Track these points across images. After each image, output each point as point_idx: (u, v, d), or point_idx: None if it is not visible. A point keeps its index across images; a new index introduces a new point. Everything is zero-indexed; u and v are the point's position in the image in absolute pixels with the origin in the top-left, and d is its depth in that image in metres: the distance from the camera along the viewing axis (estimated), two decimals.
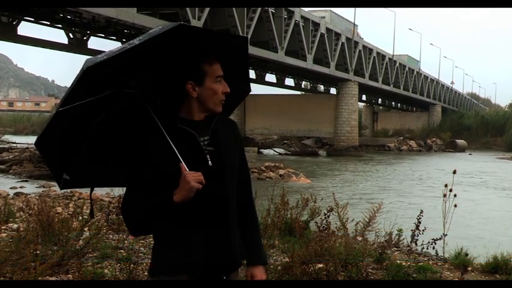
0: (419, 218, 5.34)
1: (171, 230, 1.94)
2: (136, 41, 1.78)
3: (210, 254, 1.95)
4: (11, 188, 14.89)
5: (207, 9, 24.51)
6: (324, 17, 39.81)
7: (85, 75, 1.79)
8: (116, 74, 1.90)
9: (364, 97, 63.44)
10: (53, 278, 4.36)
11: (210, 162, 1.96)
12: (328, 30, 38.39)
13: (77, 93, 1.85)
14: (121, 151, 1.99)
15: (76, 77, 1.81)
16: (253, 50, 27.74)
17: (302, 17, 34.50)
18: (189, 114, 2.00)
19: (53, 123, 1.89)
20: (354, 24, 45.07)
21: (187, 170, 1.87)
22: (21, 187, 15.68)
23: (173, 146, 1.89)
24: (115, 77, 1.90)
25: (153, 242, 2.04)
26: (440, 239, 5.31)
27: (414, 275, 4.82)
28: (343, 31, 41.40)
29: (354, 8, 44.34)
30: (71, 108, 1.86)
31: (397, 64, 52.90)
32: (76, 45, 27.42)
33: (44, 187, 15.66)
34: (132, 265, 4.46)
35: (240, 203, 2.09)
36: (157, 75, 2.00)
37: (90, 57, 1.92)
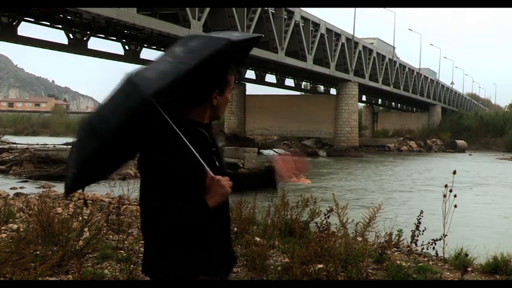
0: (419, 219, 5.34)
1: (192, 231, 1.89)
2: (192, 62, 1.77)
3: (224, 254, 2.00)
4: (11, 189, 14.86)
5: (207, 10, 24.48)
6: (372, 43, 48.85)
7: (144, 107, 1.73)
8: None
9: (364, 97, 63.41)
10: (53, 279, 4.36)
11: (216, 162, 1.99)
12: (328, 30, 38.40)
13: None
14: (146, 159, 1.91)
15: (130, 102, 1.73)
16: (253, 51, 27.45)
17: (302, 17, 34.49)
18: (200, 118, 2.00)
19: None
20: (392, 47, 55.35)
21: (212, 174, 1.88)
22: (21, 187, 15.65)
23: (193, 149, 1.85)
24: None
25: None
26: (440, 239, 5.31)
27: (414, 276, 4.82)
28: (387, 53, 50.15)
29: (354, 8, 44.47)
30: None
31: (397, 65, 52.91)
32: (76, 46, 27.45)
33: (44, 187, 15.65)
34: (132, 265, 4.46)
35: None
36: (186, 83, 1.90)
37: (138, 68, 1.83)
